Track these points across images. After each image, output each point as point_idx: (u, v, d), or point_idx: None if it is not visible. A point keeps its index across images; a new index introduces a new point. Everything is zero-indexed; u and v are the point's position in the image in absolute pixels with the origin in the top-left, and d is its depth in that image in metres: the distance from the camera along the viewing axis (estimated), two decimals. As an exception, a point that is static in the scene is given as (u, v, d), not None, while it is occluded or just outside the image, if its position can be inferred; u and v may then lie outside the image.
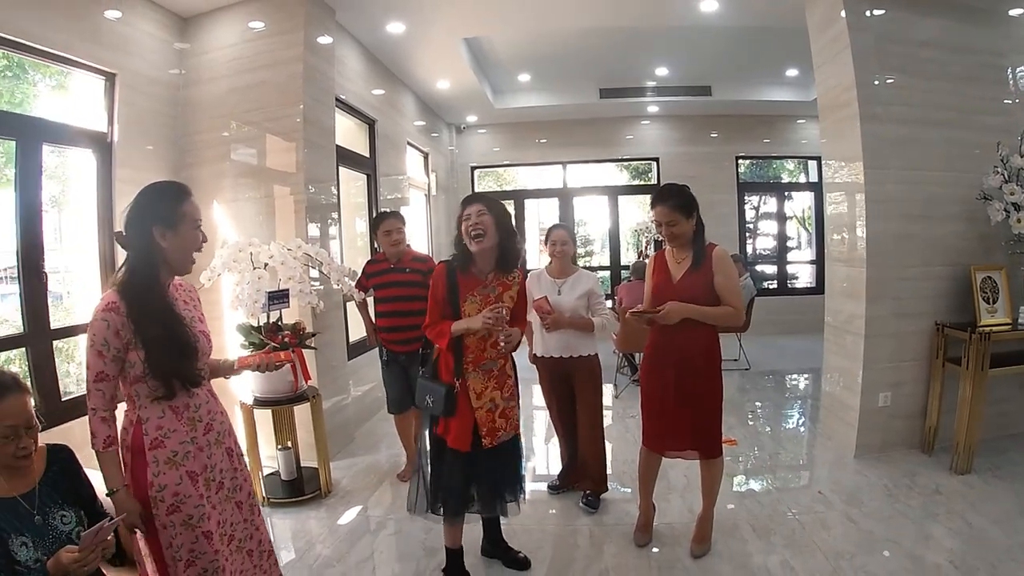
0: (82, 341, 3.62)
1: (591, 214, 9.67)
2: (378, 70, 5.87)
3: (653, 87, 7.68)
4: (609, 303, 3.61)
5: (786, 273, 9.17)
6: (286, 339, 3.30)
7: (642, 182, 9.55)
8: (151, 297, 1.77)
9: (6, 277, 3.28)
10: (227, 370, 2.08)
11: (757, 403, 5.28)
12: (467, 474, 2.49)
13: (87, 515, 1.72)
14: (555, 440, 3.70)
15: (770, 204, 9.28)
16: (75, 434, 3.04)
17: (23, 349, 3.13)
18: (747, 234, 9.04)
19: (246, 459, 2.21)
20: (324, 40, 4.29)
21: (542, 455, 4.31)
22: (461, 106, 7.87)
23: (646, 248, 8.13)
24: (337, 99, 4.68)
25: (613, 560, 2.76)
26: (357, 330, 4.86)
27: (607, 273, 9.09)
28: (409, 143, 6.91)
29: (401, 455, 3.98)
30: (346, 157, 5.11)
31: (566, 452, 3.51)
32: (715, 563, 2.69)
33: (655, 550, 2.83)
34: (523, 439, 4.63)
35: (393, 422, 3.90)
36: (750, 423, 4.68)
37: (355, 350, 4.97)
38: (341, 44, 4.86)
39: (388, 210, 3.94)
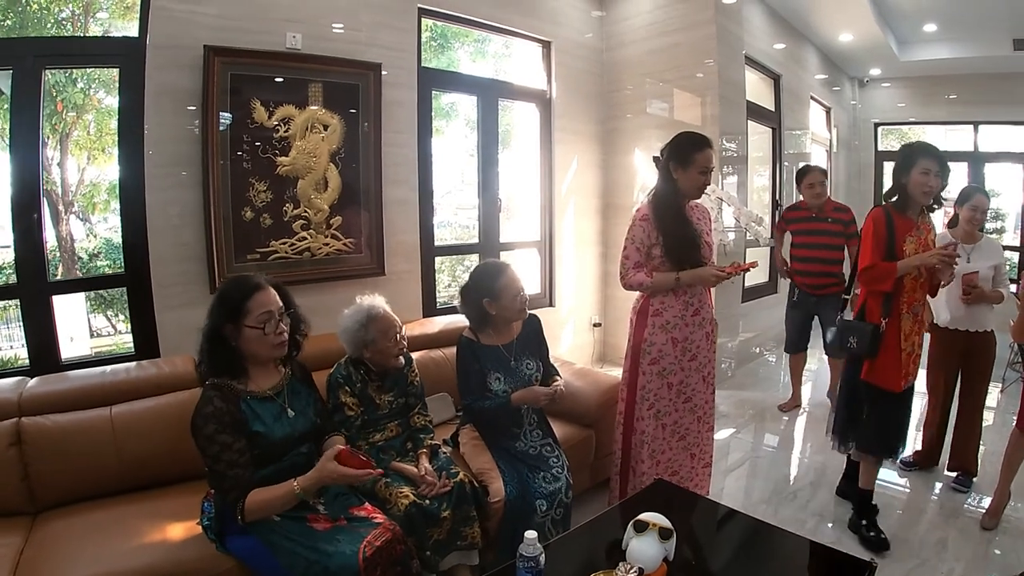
0: (516, 256, 4.79)
1: (1005, 184, 7.98)
2: (780, 24, 5.94)
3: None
4: (1013, 287, 3.31)
5: None
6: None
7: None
8: (670, 207, 2.46)
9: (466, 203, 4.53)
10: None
11: None
12: (897, 415, 2.57)
13: (544, 365, 2.56)
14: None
15: None
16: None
17: (475, 255, 4.38)
18: None
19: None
20: (728, 0, 4.62)
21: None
22: (863, 59, 7.33)
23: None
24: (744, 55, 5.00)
25: (954, 532, 2.78)
26: (753, 275, 4.77)
27: (1015, 255, 7.52)
28: (812, 97, 6.84)
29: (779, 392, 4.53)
30: (753, 111, 5.36)
31: (931, 429, 3.32)
32: (1047, 568, 2.49)
33: (998, 537, 2.75)
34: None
35: (787, 362, 4.38)
36: None
37: (749, 294, 5.25)
38: (745, 1, 5.07)
39: (812, 164, 4.24)
